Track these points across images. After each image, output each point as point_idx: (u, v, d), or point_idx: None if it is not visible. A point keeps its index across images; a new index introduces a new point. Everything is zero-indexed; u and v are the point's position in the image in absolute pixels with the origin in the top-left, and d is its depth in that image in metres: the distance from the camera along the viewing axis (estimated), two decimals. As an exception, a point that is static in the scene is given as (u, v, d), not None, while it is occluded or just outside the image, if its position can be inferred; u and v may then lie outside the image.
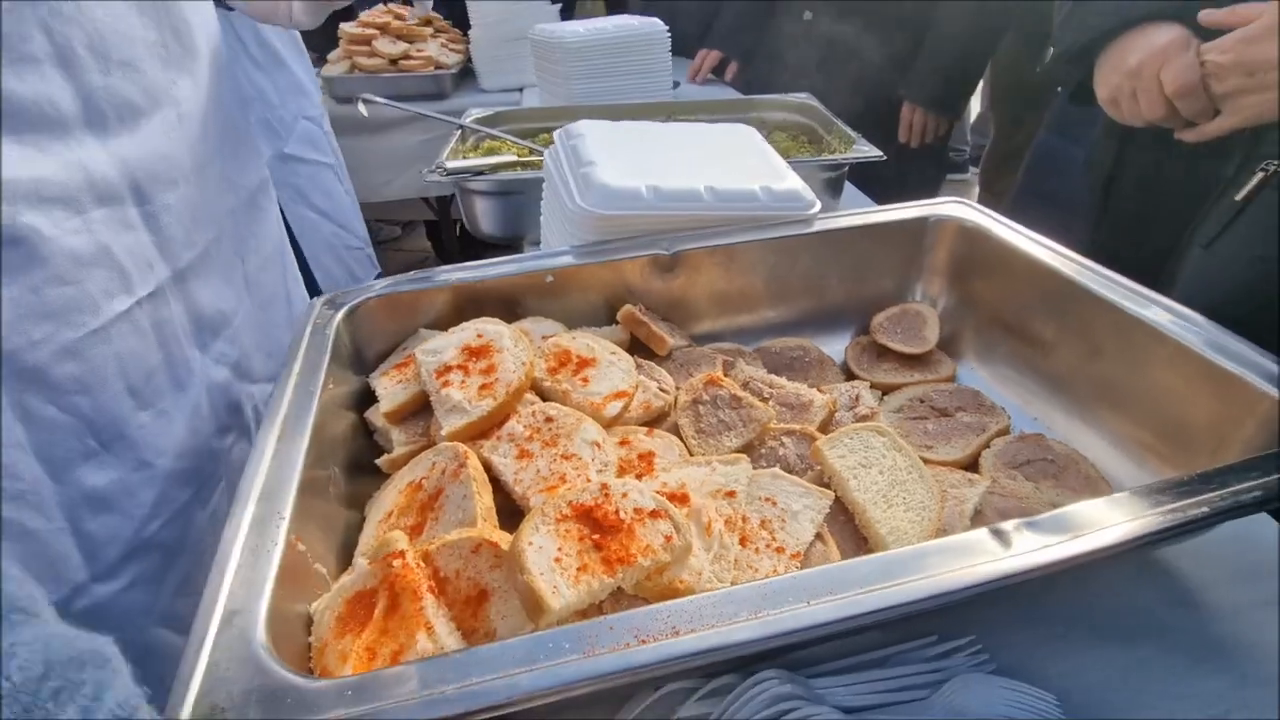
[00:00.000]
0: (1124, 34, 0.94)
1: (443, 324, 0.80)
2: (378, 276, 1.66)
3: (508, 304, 0.82)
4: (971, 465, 0.73)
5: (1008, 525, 0.47)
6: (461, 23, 2.43)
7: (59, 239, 0.57)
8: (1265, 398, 0.57)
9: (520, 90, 2.32)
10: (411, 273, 0.81)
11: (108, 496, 0.64)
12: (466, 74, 2.43)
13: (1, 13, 0.51)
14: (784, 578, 0.44)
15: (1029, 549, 0.45)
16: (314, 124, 1.57)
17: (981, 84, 3.24)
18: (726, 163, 0.92)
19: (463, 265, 0.82)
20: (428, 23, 2.42)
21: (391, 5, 2.42)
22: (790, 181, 0.89)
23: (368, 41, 2.24)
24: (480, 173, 1.16)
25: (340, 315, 0.73)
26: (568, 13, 2.53)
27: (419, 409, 0.71)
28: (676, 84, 2.10)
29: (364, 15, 2.35)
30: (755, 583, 0.44)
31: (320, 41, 2.43)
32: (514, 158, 1.24)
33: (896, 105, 1.91)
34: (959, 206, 0.89)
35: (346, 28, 2.29)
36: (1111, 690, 0.53)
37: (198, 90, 0.71)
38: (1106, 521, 0.47)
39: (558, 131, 0.98)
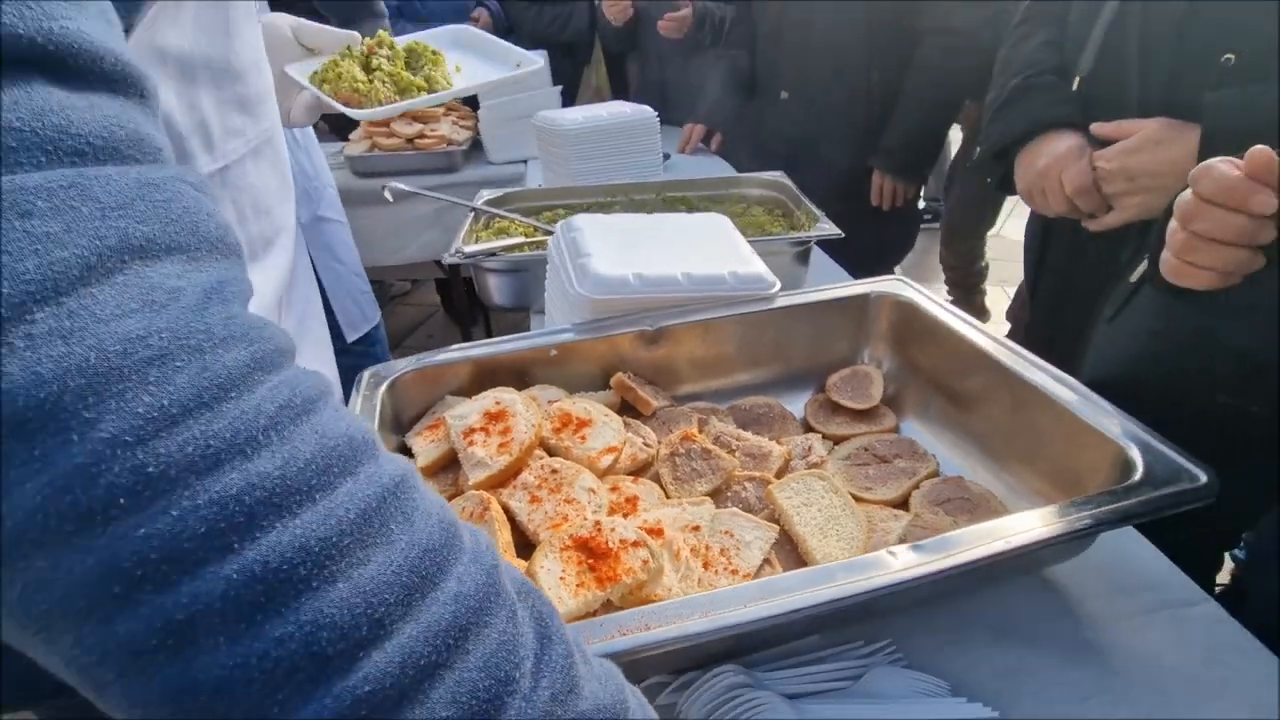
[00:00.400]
0: (1034, 139, 1.12)
1: (466, 391, 0.96)
2: (378, 322, 1.82)
3: (519, 374, 0.98)
4: (904, 503, 0.88)
5: (899, 548, 0.62)
6: (470, 99, 2.65)
7: None
8: (1114, 445, 0.73)
9: (525, 161, 2.53)
10: (438, 349, 0.97)
11: None
12: (476, 146, 2.65)
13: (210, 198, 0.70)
14: (727, 589, 0.59)
15: (910, 565, 0.60)
16: (332, 189, 1.76)
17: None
18: (702, 249, 1.10)
19: (480, 343, 0.99)
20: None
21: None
22: (754, 266, 1.06)
23: (386, 123, 2.46)
24: (493, 254, 1.34)
25: (384, 387, 0.90)
26: (569, 93, 2.76)
27: (449, 464, 0.85)
28: (668, 156, 2.31)
29: (383, 98, 2.57)
30: (706, 593, 0.59)
31: (343, 123, 2.65)
32: (522, 238, 1.42)
33: (869, 172, 2.11)
34: (895, 284, 1.06)
35: (367, 110, 2.51)
36: (997, 680, 0.67)
37: (294, 209, 0.89)
38: (970, 545, 0.62)
39: (559, 224, 1.16)
